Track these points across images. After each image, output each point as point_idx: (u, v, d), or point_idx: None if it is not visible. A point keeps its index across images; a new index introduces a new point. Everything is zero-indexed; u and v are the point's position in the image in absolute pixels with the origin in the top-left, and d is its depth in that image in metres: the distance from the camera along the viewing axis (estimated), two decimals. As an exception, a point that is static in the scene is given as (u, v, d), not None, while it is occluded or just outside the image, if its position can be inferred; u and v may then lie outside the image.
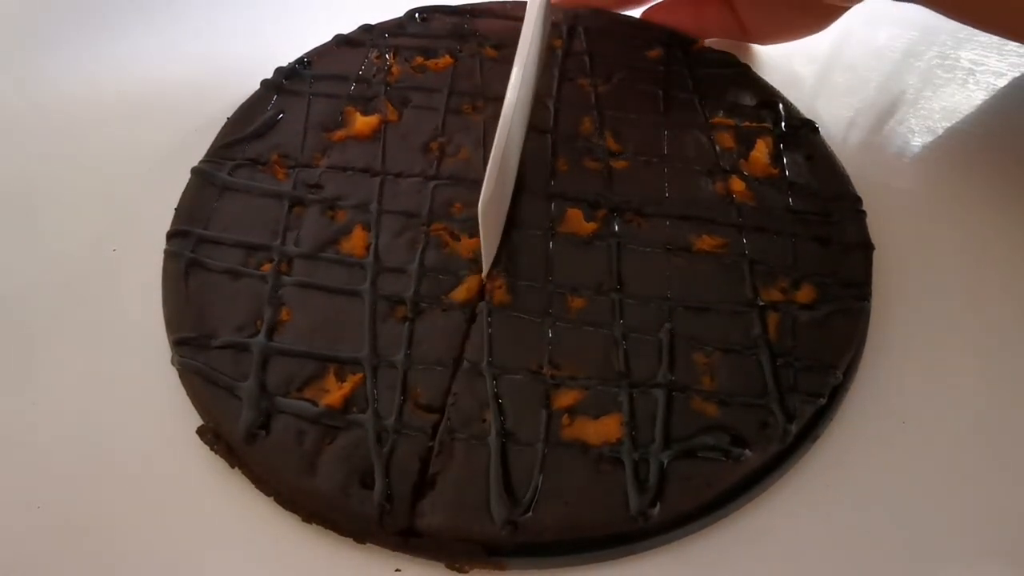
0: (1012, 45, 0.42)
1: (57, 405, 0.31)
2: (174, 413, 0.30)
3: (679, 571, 0.27)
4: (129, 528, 0.28)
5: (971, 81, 0.42)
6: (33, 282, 0.34)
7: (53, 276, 0.35)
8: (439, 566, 0.27)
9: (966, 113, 0.41)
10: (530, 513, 0.27)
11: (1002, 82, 0.42)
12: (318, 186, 0.36)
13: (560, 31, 0.42)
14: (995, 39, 0.40)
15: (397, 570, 0.27)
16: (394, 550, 0.27)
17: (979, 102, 0.41)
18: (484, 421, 0.29)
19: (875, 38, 0.44)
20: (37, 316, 0.33)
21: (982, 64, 0.43)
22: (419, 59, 0.41)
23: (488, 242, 0.32)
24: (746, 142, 0.38)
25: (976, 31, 0.38)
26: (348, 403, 0.29)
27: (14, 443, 0.30)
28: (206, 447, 0.29)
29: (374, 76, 0.40)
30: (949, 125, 0.40)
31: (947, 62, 0.43)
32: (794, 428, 0.29)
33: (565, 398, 0.29)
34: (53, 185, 0.38)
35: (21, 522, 0.28)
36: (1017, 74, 0.42)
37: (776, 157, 0.37)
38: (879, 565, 0.28)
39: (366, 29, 0.42)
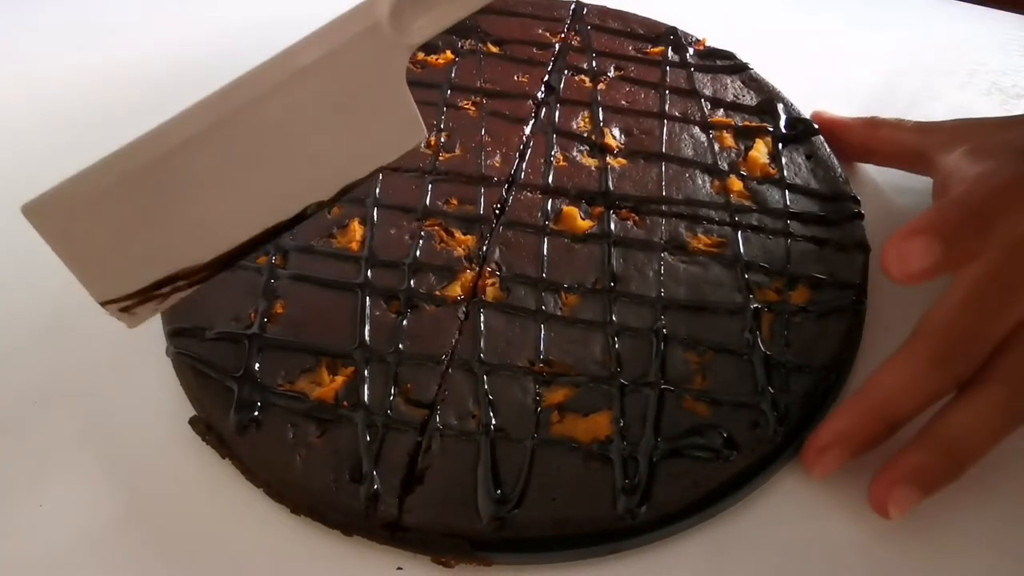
0: (1013, 45, 0.42)
1: (53, 398, 0.31)
2: (168, 403, 0.31)
3: (666, 570, 0.27)
4: (120, 517, 0.28)
5: (971, 82, 0.42)
6: (33, 274, 0.35)
7: (55, 270, 0.35)
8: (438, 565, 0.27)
9: (966, 114, 0.40)
10: (517, 509, 0.27)
11: (1003, 82, 0.42)
12: (315, 180, 0.36)
13: (560, 27, 0.42)
14: (996, 39, 0.40)
15: (399, 568, 0.27)
16: (381, 543, 0.27)
17: (979, 103, 0.41)
18: (474, 417, 0.29)
19: (875, 39, 0.44)
20: (35, 307, 0.34)
21: (983, 64, 0.42)
22: (419, 55, 0.41)
23: None
24: (745, 141, 0.37)
25: (976, 31, 0.38)
26: (339, 397, 0.29)
27: (12, 438, 0.30)
28: (198, 437, 0.29)
29: (374, 70, 0.40)
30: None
31: (947, 63, 0.43)
32: (784, 429, 0.29)
33: (556, 395, 0.29)
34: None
35: (23, 519, 0.28)
36: (1018, 75, 0.42)
37: (775, 157, 0.37)
38: (869, 567, 0.28)
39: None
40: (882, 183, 0.37)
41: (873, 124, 0.38)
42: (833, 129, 0.38)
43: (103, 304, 0.28)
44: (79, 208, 0.26)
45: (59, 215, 0.26)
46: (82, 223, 0.26)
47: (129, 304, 0.28)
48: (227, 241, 0.28)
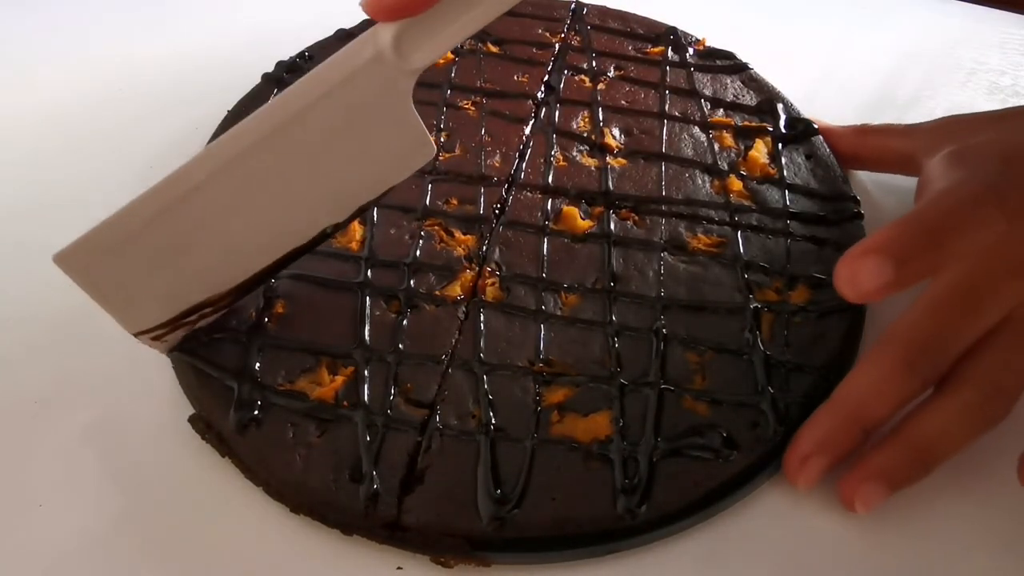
0: (1013, 44, 0.42)
1: (54, 397, 0.31)
2: (168, 402, 0.31)
3: (665, 570, 0.27)
4: (120, 516, 0.28)
5: (971, 81, 0.42)
6: (34, 275, 0.35)
7: (55, 272, 0.35)
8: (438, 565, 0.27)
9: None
10: (517, 509, 0.27)
11: (1003, 81, 0.42)
12: (315, 179, 0.36)
13: (560, 27, 0.42)
14: (995, 38, 0.40)
15: (399, 568, 0.27)
16: (381, 543, 0.27)
17: (979, 102, 0.41)
18: (474, 417, 0.29)
19: (876, 38, 0.44)
20: (35, 307, 0.34)
21: (983, 63, 0.42)
22: (419, 54, 0.41)
23: None
24: (745, 141, 0.38)
25: (976, 31, 0.38)
26: (339, 396, 0.29)
27: (13, 438, 0.30)
28: (198, 436, 0.29)
29: (374, 70, 0.40)
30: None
31: (947, 62, 0.43)
32: (784, 429, 0.29)
33: (555, 395, 0.29)
34: (53, 180, 0.38)
35: (23, 519, 0.28)
36: (1017, 74, 0.42)
37: (774, 157, 0.37)
38: (869, 567, 0.28)
39: (368, 23, 0.42)
40: (882, 183, 0.37)
41: (862, 132, 0.38)
42: (823, 137, 0.38)
43: (136, 335, 0.29)
44: (107, 253, 0.27)
45: (88, 261, 0.27)
46: (111, 267, 0.27)
47: (160, 333, 0.29)
48: (249, 268, 0.29)
